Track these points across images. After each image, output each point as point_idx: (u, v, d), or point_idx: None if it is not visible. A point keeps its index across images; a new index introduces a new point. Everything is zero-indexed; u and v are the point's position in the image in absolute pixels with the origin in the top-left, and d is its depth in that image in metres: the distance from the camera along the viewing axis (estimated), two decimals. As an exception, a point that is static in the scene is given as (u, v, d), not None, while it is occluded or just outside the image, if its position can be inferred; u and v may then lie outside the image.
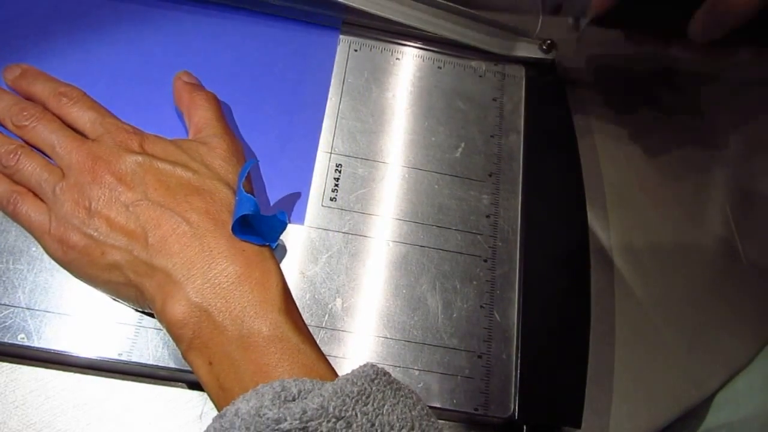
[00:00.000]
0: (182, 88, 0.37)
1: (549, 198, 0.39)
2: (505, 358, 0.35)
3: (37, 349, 0.32)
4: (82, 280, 0.32)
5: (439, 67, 0.43)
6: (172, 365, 0.32)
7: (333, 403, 0.25)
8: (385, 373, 0.27)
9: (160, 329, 0.32)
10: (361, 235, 0.37)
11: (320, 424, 0.24)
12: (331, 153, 0.39)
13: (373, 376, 0.27)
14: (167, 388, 0.33)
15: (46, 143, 0.33)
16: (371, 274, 0.36)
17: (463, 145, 0.40)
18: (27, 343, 0.31)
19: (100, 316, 0.33)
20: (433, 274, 0.36)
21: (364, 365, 0.27)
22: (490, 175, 0.40)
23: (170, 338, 0.30)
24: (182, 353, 0.29)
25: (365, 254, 0.36)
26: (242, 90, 0.39)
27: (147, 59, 0.39)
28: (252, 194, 0.33)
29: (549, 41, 0.43)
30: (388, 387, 0.27)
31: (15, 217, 0.33)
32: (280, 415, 0.24)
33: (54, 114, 0.35)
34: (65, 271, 0.32)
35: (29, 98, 0.36)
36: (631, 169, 0.43)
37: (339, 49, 0.42)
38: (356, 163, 0.39)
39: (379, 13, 0.41)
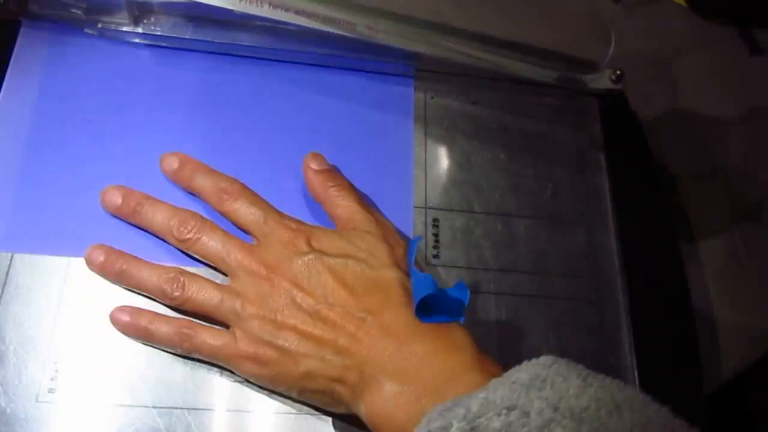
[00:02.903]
0: (314, 179, 0.36)
1: (642, 231, 0.40)
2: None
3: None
4: (272, 389, 0.32)
5: (516, 107, 0.42)
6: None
7: (500, 393, 0.24)
8: (569, 361, 0.25)
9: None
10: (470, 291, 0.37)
11: (489, 419, 0.23)
12: (425, 208, 0.38)
13: (550, 363, 0.25)
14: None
15: (214, 255, 0.33)
16: (483, 329, 0.36)
17: (551, 186, 0.40)
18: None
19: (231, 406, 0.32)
20: (543, 324, 0.36)
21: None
22: (582, 215, 0.40)
23: None
24: None
25: (475, 310, 0.36)
26: (324, 148, 0.38)
27: (230, 122, 0.38)
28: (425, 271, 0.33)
29: (618, 71, 0.43)
30: (572, 369, 0.25)
31: (194, 350, 0.32)
32: (446, 422, 0.23)
33: (215, 210, 0.35)
34: (186, 364, 0.32)
35: (188, 191, 0.36)
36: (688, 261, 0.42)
37: (415, 97, 0.41)
38: (452, 216, 0.38)
39: (451, 57, 0.40)
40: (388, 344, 0.29)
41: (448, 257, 0.37)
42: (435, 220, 0.38)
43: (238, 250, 0.32)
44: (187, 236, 0.33)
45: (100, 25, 0.39)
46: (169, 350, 0.32)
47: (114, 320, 0.32)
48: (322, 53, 0.40)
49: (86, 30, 0.39)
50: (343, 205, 0.35)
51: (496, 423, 0.23)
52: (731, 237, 0.41)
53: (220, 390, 0.32)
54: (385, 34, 0.38)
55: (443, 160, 0.40)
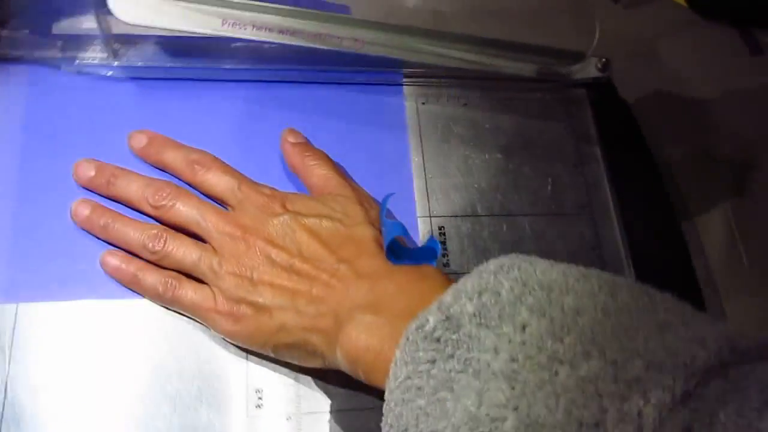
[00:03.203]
0: (291, 151, 0.36)
1: (644, 218, 0.40)
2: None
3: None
4: (247, 347, 0.32)
5: (506, 104, 0.42)
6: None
7: (470, 282, 0.24)
8: (534, 256, 0.26)
9: None
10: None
11: (462, 305, 0.24)
12: (430, 217, 0.38)
13: (515, 255, 0.26)
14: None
15: (190, 220, 0.33)
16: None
17: (550, 181, 0.40)
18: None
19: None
20: (558, 319, 0.37)
21: None
22: (583, 207, 0.40)
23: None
24: (365, 378, 0.28)
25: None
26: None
27: (219, 149, 0.37)
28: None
29: (604, 59, 0.43)
30: (539, 258, 0.26)
31: (176, 302, 0.32)
32: (422, 320, 0.24)
33: (188, 183, 0.35)
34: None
35: (159, 167, 0.36)
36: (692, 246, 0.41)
37: (407, 105, 0.41)
38: (458, 222, 0.38)
39: (438, 62, 0.40)
40: (361, 286, 0.29)
41: (458, 264, 0.37)
42: (441, 228, 0.38)
43: (213, 214, 0.33)
44: (162, 203, 0.33)
45: (78, 62, 0.38)
46: (151, 300, 0.33)
47: (103, 264, 0.33)
48: (308, 70, 0.40)
49: (64, 68, 0.38)
50: (319, 174, 0.35)
51: (470, 307, 0.23)
52: (731, 221, 0.41)
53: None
54: (370, 45, 0.38)
55: (442, 166, 0.39)
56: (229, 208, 0.34)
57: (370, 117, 0.40)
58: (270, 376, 0.32)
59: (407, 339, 0.25)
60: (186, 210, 0.33)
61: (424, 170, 0.39)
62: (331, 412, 0.32)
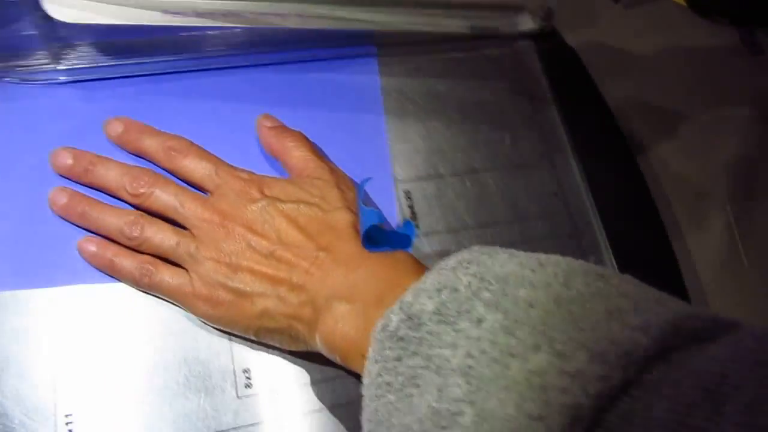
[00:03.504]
0: (268, 135, 0.36)
1: (603, 159, 0.41)
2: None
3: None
4: (229, 330, 0.32)
5: (457, 65, 0.43)
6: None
7: (430, 280, 0.25)
8: (496, 246, 0.26)
9: None
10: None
11: (423, 303, 0.24)
12: (396, 182, 0.38)
13: (477, 249, 0.26)
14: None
15: (168, 207, 0.33)
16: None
17: (508, 134, 0.41)
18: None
19: None
20: (531, 266, 0.37)
21: None
22: (542, 156, 0.41)
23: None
24: (344, 363, 0.29)
25: (464, 269, 0.37)
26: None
27: (196, 126, 0.37)
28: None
29: (547, 8, 0.44)
30: (499, 250, 0.26)
31: (153, 287, 0.32)
32: (386, 319, 0.25)
33: (165, 169, 0.35)
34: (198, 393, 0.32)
35: (136, 154, 0.36)
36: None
37: (362, 76, 0.41)
38: (423, 185, 0.39)
39: (386, 28, 0.40)
40: (337, 274, 0.30)
41: (427, 225, 0.38)
42: (407, 192, 0.38)
43: (192, 201, 0.33)
44: (141, 190, 0.33)
45: (19, 70, 0.37)
46: (129, 284, 0.33)
47: (81, 250, 0.33)
48: (257, 52, 0.40)
49: (4, 79, 0.37)
50: (297, 156, 0.35)
51: (430, 305, 0.24)
52: (731, 221, 0.42)
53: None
54: (315, 19, 0.38)
55: (401, 132, 0.40)
56: (208, 193, 0.34)
57: (337, 92, 0.40)
58: (256, 355, 0.33)
59: (375, 338, 0.25)
60: (164, 197, 0.33)
61: (389, 137, 0.39)
62: (321, 381, 0.33)
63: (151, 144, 0.35)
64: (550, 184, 0.40)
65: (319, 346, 0.30)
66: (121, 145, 0.36)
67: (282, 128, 0.37)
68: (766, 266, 0.41)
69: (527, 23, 0.44)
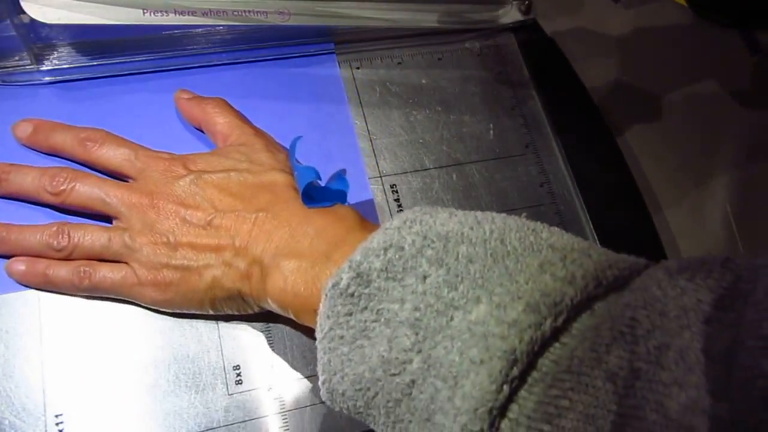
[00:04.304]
0: (189, 105, 0.36)
1: (586, 148, 0.41)
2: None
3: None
4: (185, 311, 0.32)
5: (439, 59, 0.43)
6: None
7: (377, 239, 0.26)
8: (437, 206, 0.28)
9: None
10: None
11: (370, 262, 0.25)
12: (381, 177, 0.39)
13: (419, 208, 0.27)
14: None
15: (93, 198, 0.32)
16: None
17: (491, 125, 0.41)
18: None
19: None
20: (518, 256, 0.38)
21: None
22: (527, 146, 0.41)
23: None
24: (296, 318, 0.29)
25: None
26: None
27: (178, 125, 0.37)
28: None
29: (527, 1, 0.44)
30: (441, 209, 0.27)
31: (96, 287, 0.31)
32: (336, 277, 0.25)
33: (83, 161, 0.34)
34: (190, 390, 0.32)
35: (50, 152, 0.34)
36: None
37: (341, 72, 0.41)
38: (408, 178, 0.39)
39: (365, 24, 0.40)
40: (282, 232, 0.30)
41: (414, 218, 0.38)
42: (392, 186, 0.38)
43: (117, 188, 0.32)
44: (62, 187, 0.32)
45: (0, 71, 0.37)
46: (71, 293, 0.32)
47: (11, 272, 0.32)
48: (240, 50, 0.40)
49: (-13, 81, 0.37)
50: (222, 122, 0.35)
51: (377, 263, 0.25)
52: (731, 221, 0.42)
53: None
54: (297, 16, 0.38)
55: (385, 126, 0.40)
56: (131, 180, 0.33)
57: (308, 89, 0.40)
58: (245, 352, 0.33)
59: (326, 296, 0.26)
60: (87, 189, 0.32)
61: (369, 133, 0.40)
62: (312, 377, 0.33)
63: (65, 139, 0.34)
64: (536, 174, 0.40)
65: (270, 304, 0.30)
66: (34, 146, 0.35)
67: (201, 97, 0.37)
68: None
69: (509, 16, 0.44)
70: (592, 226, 0.39)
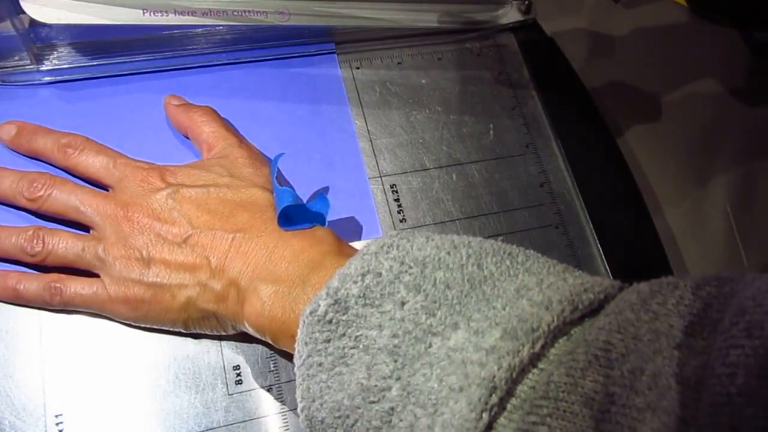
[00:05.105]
0: (176, 111, 0.36)
1: (585, 147, 0.41)
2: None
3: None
4: (158, 327, 0.32)
5: (439, 59, 0.43)
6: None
7: (354, 265, 0.26)
8: (415, 230, 0.28)
9: None
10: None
11: (348, 288, 0.25)
12: (381, 177, 0.38)
13: (396, 233, 0.27)
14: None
15: (68, 207, 0.32)
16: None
17: (492, 126, 0.41)
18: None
19: None
20: (518, 256, 0.38)
21: None
22: (527, 146, 0.41)
23: None
24: (273, 343, 0.29)
25: (452, 261, 0.37)
26: (265, 141, 0.38)
27: (156, 129, 0.37)
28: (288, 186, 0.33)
29: (527, 1, 0.44)
30: (417, 233, 0.27)
31: (67, 303, 0.31)
32: (314, 304, 0.25)
33: (62, 167, 0.34)
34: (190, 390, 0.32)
35: (31, 156, 0.34)
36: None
37: (342, 72, 0.41)
38: (408, 178, 0.39)
39: (366, 24, 0.40)
40: (259, 255, 0.29)
41: (414, 218, 0.38)
42: (393, 186, 0.38)
43: (92, 197, 0.32)
44: (39, 194, 0.32)
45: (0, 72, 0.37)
46: (42, 307, 0.31)
47: None
48: (240, 50, 0.40)
49: (-14, 80, 0.37)
50: (208, 131, 0.35)
51: (354, 289, 0.25)
52: (731, 221, 0.42)
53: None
54: (297, 16, 0.38)
55: (385, 126, 0.40)
56: (109, 189, 0.33)
57: (308, 89, 0.40)
58: (245, 352, 0.33)
59: (303, 322, 0.26)
60: (63, 196, 0.32)
61: (368, 133, 0.40)
62: (310, 377, 0.33)
63: (45, 143, 0.34)
64: (536, 175, 0.40)
65: (247, 327, 0.29)
66: (16, 148, 0.34)
67: (190, 104, 0.36)
68: (766, 266, 0.41)
69: (509, 16, 0.44)
70: (592, 226, 0.39)
